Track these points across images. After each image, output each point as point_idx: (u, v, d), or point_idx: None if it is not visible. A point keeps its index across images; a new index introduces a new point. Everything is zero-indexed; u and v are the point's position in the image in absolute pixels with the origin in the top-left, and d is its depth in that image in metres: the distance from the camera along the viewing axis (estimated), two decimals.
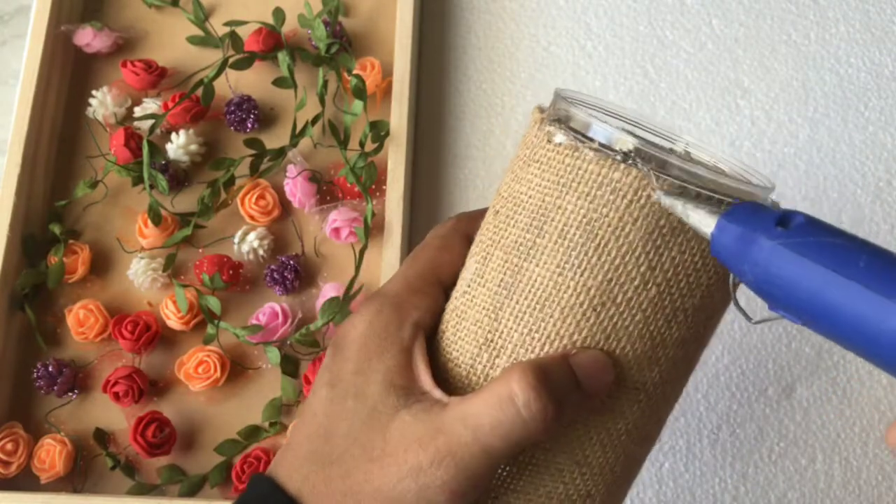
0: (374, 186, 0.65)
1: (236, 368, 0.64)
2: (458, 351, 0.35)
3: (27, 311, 0.65)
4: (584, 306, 0.32)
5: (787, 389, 0.63)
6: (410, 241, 0.66)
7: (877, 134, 0.68)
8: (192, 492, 0.60)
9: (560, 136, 0.33)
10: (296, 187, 0.66)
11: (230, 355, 0.63)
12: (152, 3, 0.73)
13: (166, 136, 0.69)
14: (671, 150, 0.35)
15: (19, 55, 0.69)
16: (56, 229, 0.66)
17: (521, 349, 0.33)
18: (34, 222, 0.67)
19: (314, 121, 0.67)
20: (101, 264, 0.67)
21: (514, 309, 0.33)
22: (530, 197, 0.33)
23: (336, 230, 0.65)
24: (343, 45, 0.70)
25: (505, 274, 0.34)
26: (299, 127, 0.67)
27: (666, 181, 0.31)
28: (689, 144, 0.36)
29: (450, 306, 0.36)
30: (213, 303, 0.63)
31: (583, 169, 0.32)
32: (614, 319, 0.32)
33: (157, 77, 0.70)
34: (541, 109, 0.36)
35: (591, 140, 0.32)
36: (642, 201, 0.31)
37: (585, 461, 0.34)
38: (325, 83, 0.68)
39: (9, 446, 0.61)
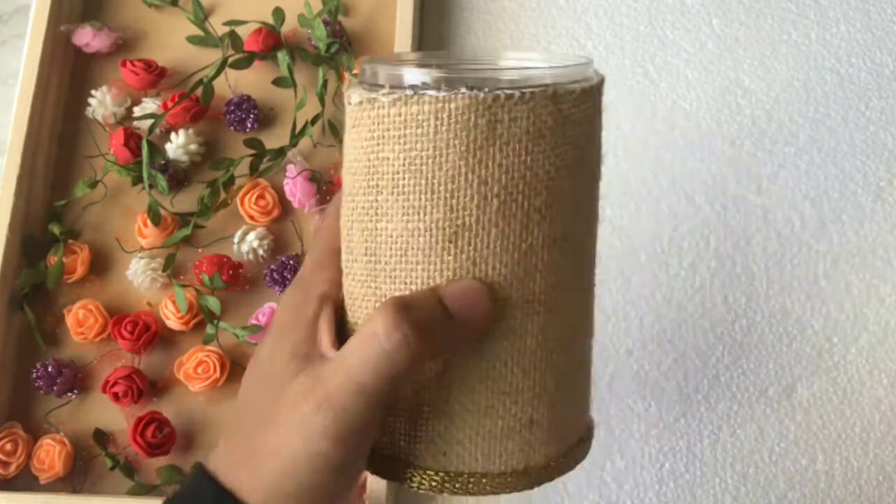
0: None
1: (236, 368, 0.63)
2: (358, 325, 0.35)
3: (27, 311, 0.65)
4: (440, 243, 0.33)
5: (787, 390, 0.63)
6: None
7: (877, 133, 0.68)
8: None
9: (356, 95, 0.33)
10: (296, 187, 0.66)
11: (230, 355, 0.63)
12: (152, 2, 0.73)
13: (166, 135, 0.69)
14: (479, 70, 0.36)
15: (19, 55, 0.69)
16: (55, 229, 0.66)
17: None
18: (34, 222, 0.67)
19: (314, 120, 0.67)
20: (101, 264, 0.67)
21: (386, 270, 0.34)
22: (358, 161, 0.34)
23: None
24: (343, 45, 0.70)
25: (367, 242, 0.34)
26: (299, 127, 0.67)
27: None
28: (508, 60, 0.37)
29: (343, 290, 0.36)
30: (213, 303, 0.63)
31: (385, 116, 0.32)
32: (472, 245, 0.33)
33: (156, 77, 0.70)
34: (358, 81, 0.36)
35: (381, 87, 0.33)
36: (445, 124, 0.32)
37: (511, 389, 0.34)
38: (325, 83, 0.68)
39: (8, 446, 0.61)
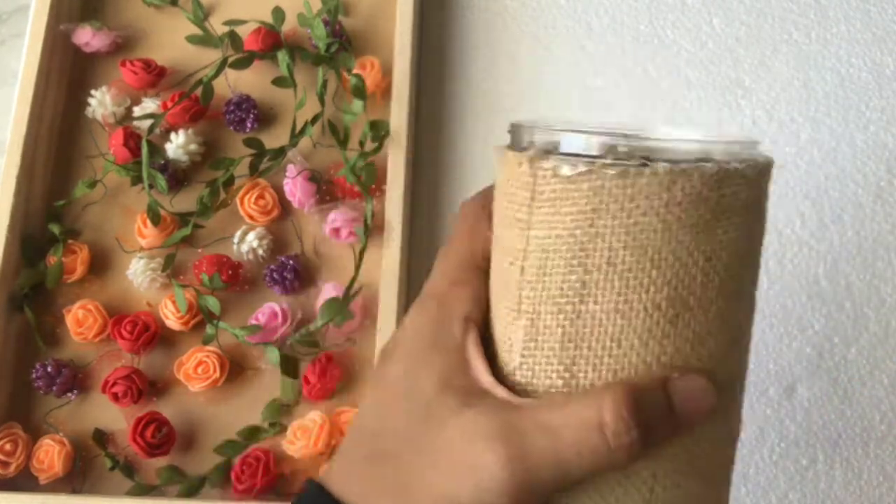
0: (373, 186, 0.65)
1: (236, 369, 0.63)
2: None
3: (26, 311, 0.65)
4: (660, 324, 0.31)
5: (787, 389, 0.63)
6: (410, 241, 0.66)
7: (878, 134, 0.68)
8: (191, 492, 0.60)
9: (567, 167, 0.31)
10: (295, 187, 0.65)
11: (229, 355, 0.63)
12: (151, 2, 0.73)
13: (165, 135, 0.69)
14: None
15: (18, 55, 0.69)
16: (55, 229, 0.66)
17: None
18: (33, 222, 0.67)
19: (314, 120, 0.67)
20: (100, 264, 0.67)
21: (589, 356, 0.31)
22: (558, 237, 0.31)
23: (336, 230, 0.65)
24: (343, 45, 0.70)
25: (565, 325, 0.32)
26: (299, 127, 0.67)
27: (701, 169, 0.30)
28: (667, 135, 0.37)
29: (508, 377, 0.33)
30: (213, 303, 0.63)
31: (607, 188, 0.31)
32: (690, 326, 0.31)
33: (156, 76, 0.70)
34: (511, 148, 0.34)
35: (602, 157, 0.31)
36: (678, 197, 0.30)
37: (707, 477, 0.33)
38: (325, 83, 0.68)
39: (8, 447, 0.61)
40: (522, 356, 0.32)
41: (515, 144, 0.34)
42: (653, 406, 0.30)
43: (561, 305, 0.32)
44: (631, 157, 0.31)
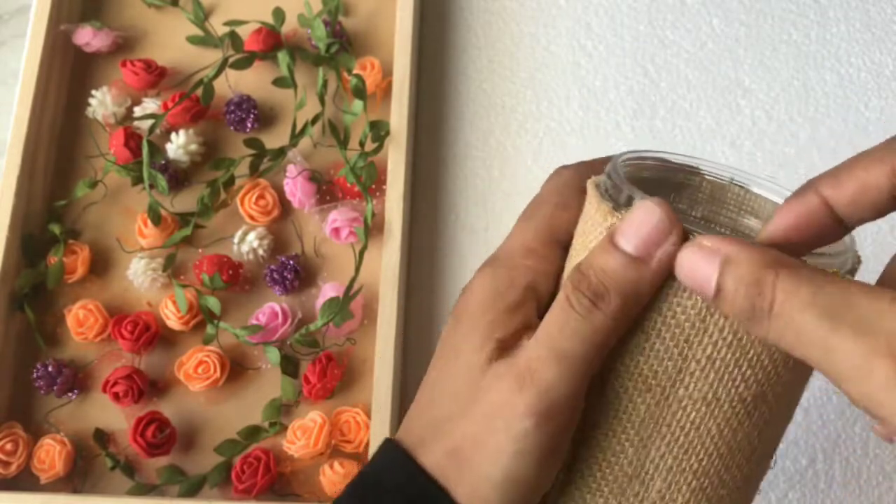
0: (374, 186, 0.65)
1: (236, 368, 0.63)
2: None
3: (27, 311, 0.65)
4: (740, 414, 0.31)
5: None
6: (410, 241, 0.66)
7: (877, 134, 0.68)
8: (191, 492, 0.60)
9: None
10: (296, 187, 0.66)
11: (230, 355, 0.63)
12: (152, 2, 0.73)
13: (166, 135, 0.69)
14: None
15: (19, 55, 0.69)
16: (55, 229, 0.66)
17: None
18: (34, 222, 0.67)
19: (314, 121, 0.67)
20: (101, 264, 0.67)
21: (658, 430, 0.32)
22: (663, 323, 0.31)
23: (336, 230, 0.65)
24: (343, 45, 0.70)
25: (649, 405, 0.32)
26: (299, 127, 0.67)
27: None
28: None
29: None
30: (213, 303, 0.63)
31: None
32: (765, 414, 0.32)
33: (156, 77, 0.70)
34: (610, 196, 0.32)
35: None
36: None
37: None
38: (325, 83, 0.68)
39: (8, 446, 0.61)
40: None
41: (613, 189, 0.32)
42: (600, 263, 0.30)
43: (651, 386, 0.31)
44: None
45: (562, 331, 0.30)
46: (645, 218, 0.29)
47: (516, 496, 0.31)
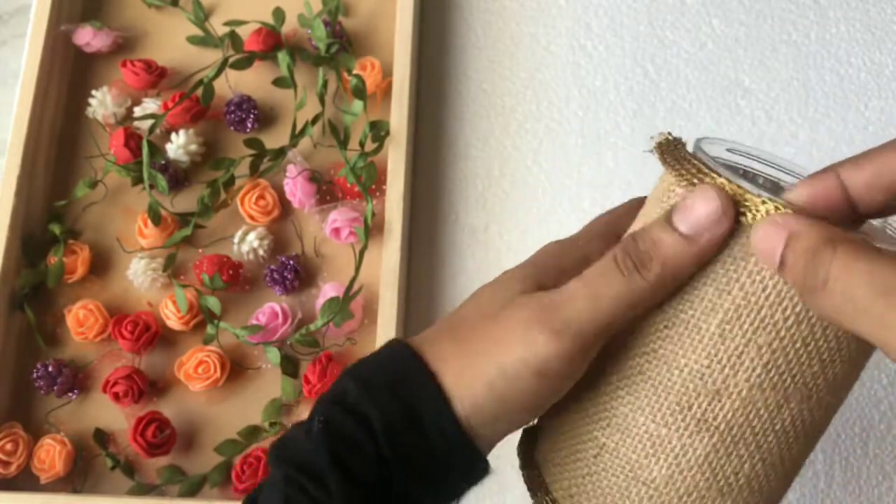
0: (374, 186, 0.65)
1: (236, 368, 0.63)
2: None
3: (27, 311, 0.65)
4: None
5: None
6: (410, 241, 0.66)
7: (877, 134, 0.68)
8: (191, 492, 0.60)
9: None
10: (296, 187, 0.66)
11: (230, 355, 0.63)
12: (152, 2, 0.73)
13: (166, 136, 0.69)
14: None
15: (19, 55, 0.69)
16: (56, 229, 0.66)
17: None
18: (34, 222, 0.67)
19: (314, 121, 0.67)
20: (101, 264, 0.67)
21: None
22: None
23: (336, 230, 0.65)
24: (343, 45, 0.70)
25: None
26: (299, 127, 0.67)
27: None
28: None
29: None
30: (213, 303, 0.63)
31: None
32: (822, 393, 0.32)
33: (156, 77, 0.70)
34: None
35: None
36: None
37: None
38: (325, 83, 0.68)
39: (9, 446, 0.61)
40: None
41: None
42: (653, 235, 0.32)
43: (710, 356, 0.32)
44: None
45: (601, 278, 0.32)
46: (703, 204, 0.31)
47: (500, 404, 0.33)
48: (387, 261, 0.63)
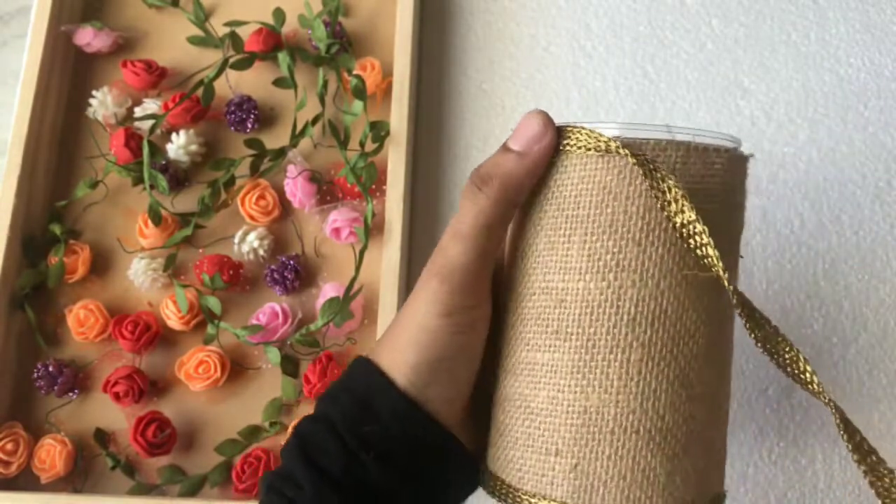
0: (374, 186, 0.65)
1: (236, 368, 0.64)
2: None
3: (27, 311, 0.65)
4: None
5: (786, 389, 0.63)
6: (410, 241, 0.66)
7: (876, 134, 0.68)
8: (192, 492, 0.60)
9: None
10: (296, 187, 0.66)
11: (230, 355, 0.63)
12: (152, 3, 0.73)
13: (166, 136, 0.69)
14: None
15: (19, 55, 0.70)
16: (56, 229, 0.66)
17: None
18: (34, 222, 0.67)
19: (314, 121, 0.67)
20: (102, 264, 0.67)
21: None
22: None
23: (336, 230, 0.65)
24: (343, 46, 0.70)
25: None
26: (299, 127, 0.67)
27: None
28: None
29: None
30: (213, 303, 0.63)
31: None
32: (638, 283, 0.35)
33: (157, 77, 0.70)
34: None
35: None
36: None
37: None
38: (325, 83, 0.68)
39: (9, 446, 0.61)
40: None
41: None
42: (493, 159, 0.37)
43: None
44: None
45: (457, 218, 0.37)
46: (529, 123, 0.36)
47: (429, 355, 0.36)
48: (387, 261, 0.63)
